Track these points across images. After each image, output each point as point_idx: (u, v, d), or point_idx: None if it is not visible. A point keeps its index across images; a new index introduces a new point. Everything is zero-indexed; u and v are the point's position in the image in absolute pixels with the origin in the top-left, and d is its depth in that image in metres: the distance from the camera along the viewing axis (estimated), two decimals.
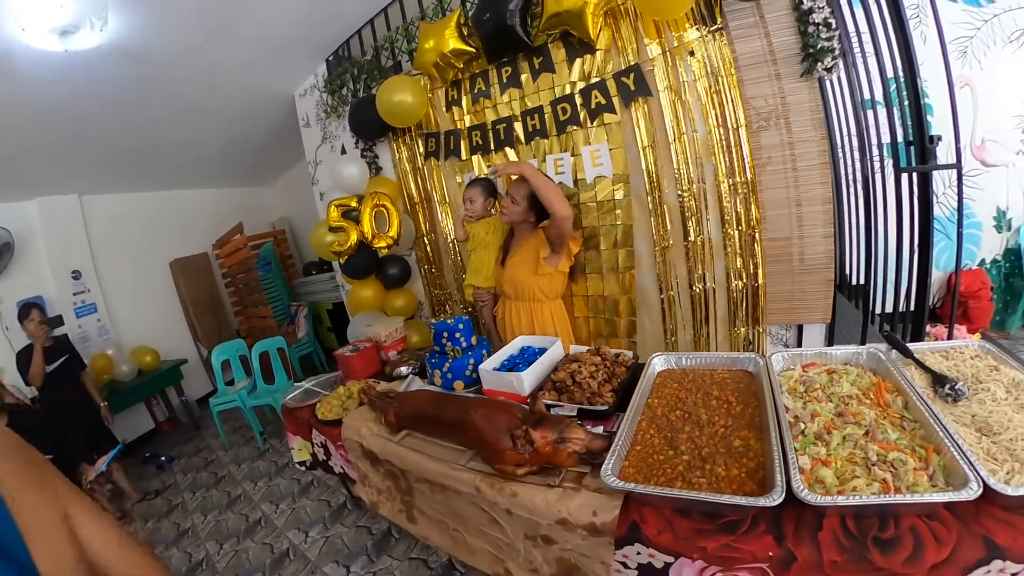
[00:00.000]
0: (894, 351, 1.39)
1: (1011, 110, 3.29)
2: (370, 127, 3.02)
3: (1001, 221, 3.52)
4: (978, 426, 1.04)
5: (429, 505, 1.53)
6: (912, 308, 2.32)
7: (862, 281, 2.85)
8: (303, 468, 2.22)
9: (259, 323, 5.29)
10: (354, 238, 2.87)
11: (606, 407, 1.42)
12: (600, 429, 1.35)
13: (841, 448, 1.04)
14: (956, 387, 1.15)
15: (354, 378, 2.27)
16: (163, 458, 4.11)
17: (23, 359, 3.42)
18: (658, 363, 1.57)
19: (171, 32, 2.69)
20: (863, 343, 2.25)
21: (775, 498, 0.91)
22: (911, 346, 1.39)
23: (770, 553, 0.90)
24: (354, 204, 2.91)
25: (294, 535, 2.80)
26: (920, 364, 1.30)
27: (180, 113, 3.69)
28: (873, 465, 0.96)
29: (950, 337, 2.49)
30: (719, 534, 0.95)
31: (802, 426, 1.12)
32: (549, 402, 1.49)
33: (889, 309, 2.40)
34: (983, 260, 3.59)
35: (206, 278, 5.57)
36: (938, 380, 1.21)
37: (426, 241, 3.22)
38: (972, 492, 0.84)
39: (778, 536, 0.92)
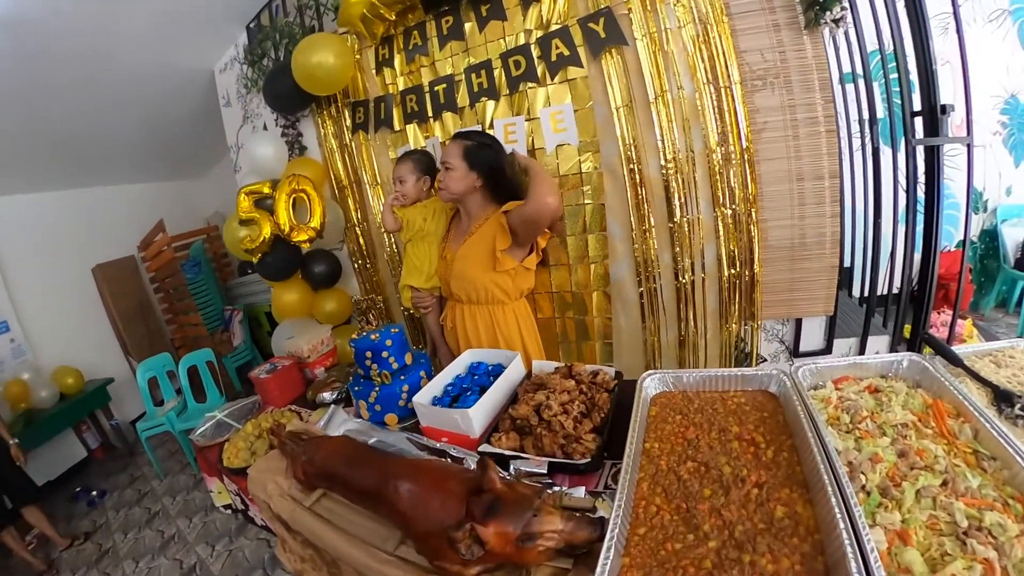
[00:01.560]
0: (938, 358, 1.11)
1: (989, 90, 3.28)
2: (289, 99, 2.53)
3: (978, 202, 3.50)
4: None
5: None
6: (909, 294, 2.14)
7: (850, 265, 2.68)
8: (229, 511, 1.83)
9: (191, 332, 4.86)
10: (267, 231, 2.38)
11: (587, 460, 1.03)
12: (581, 491, 0.97)
13: (917, 509, 0.74)
14: None
15: (273, 405, 1.86)
16: (94, 493, 3.77)
17: None
18: (651, 386, 1.17)
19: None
20: (865, 335, 2.03)
21: None
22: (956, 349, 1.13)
23: None
24: (267, 190, 2.41)
25: None
26: (975, 375, 1.05)
27: (85, 96, 3.20)
28: (966, 535, 0.68)
29: (952, 327, 2.32)
30: None
31: (862, 479, 0.81)
32: (507, 452, 1.09)
33: (872, 295, 2.20)
34: (960, 242, 3.52)
35: (133, 284, 5.05)
36: (1002, 397, 0.96)
37: (358, 231, 2.73)
38: None
39: None
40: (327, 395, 1.76)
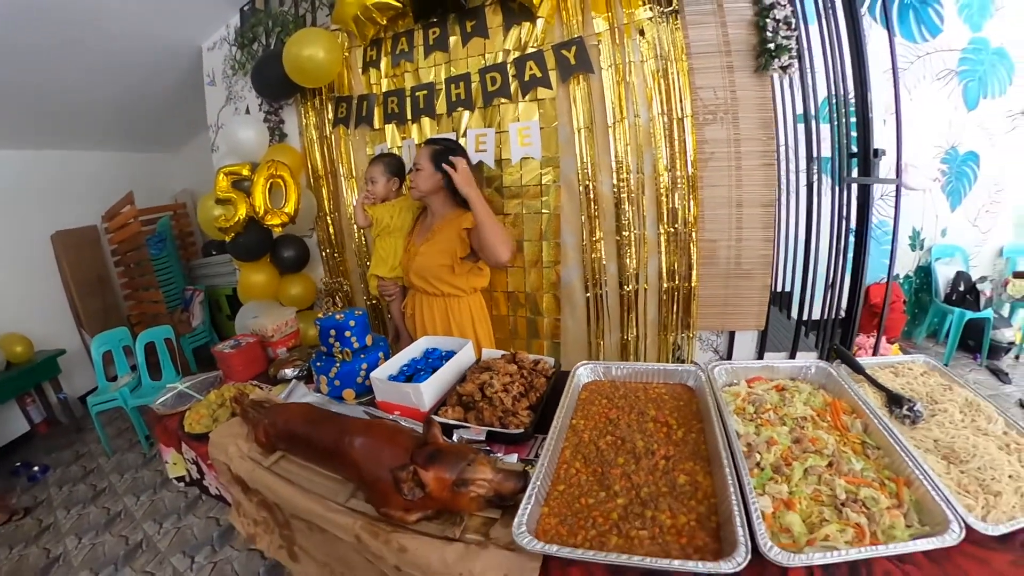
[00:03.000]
0: (843, 366, 1.27)
1: (932, 141, 3.55)
2: (276, 86, 2.59)
3: (915, 240, 3.78)
4: (943, 453, 0.96)
5: (311, 544, 1.21)
6: (836, 317, 2.33)
7: (789, 288, 2.89)
8: (182, 484, 1.85)
9: (150, 309, 4.67)
10: (243, 212, 2.43)
11: (522, 430, 1.16)
12: (514, 457, 1.10)
13: (804, 484, 0.89)
14: (915, 408, 1.06)
15: (235, 380, 1.90)
16: (36, 468, 3.55)
17: None
18: (584, 374, 1.32)
19: None
20: (794, 350, 2.23)
21: (739, 561, 0.71)
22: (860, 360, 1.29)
23: None
24: (246, 173, 2.47)
25: (178, 560, 2.50)
26: (873, 381, 1.20)
27: (61, 56, 3.08)
28: (843, 505, 0.82)
29: (877, 348, 2.53)
30: None
31: (757, 457, 0.95)
32: (452, 422, 1.21)
33: (808, 317, 2.39)
34: (897, 275, 3.81)
35: (93, 255, 4.81)
36: (894, 400, 1.11)
37: (329, 221, 2.80)
38: (955, 535, 0.74)
39: None
40: (289, 371, 1.82)
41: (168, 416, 1.76)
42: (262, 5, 2.89)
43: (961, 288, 3.51)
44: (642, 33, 1.92)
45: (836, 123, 2.10)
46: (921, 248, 3.76)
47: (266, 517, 1.33)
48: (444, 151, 1.81)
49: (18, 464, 3.62)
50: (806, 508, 0.84)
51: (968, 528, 0.75)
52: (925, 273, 3.78)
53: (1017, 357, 3.48)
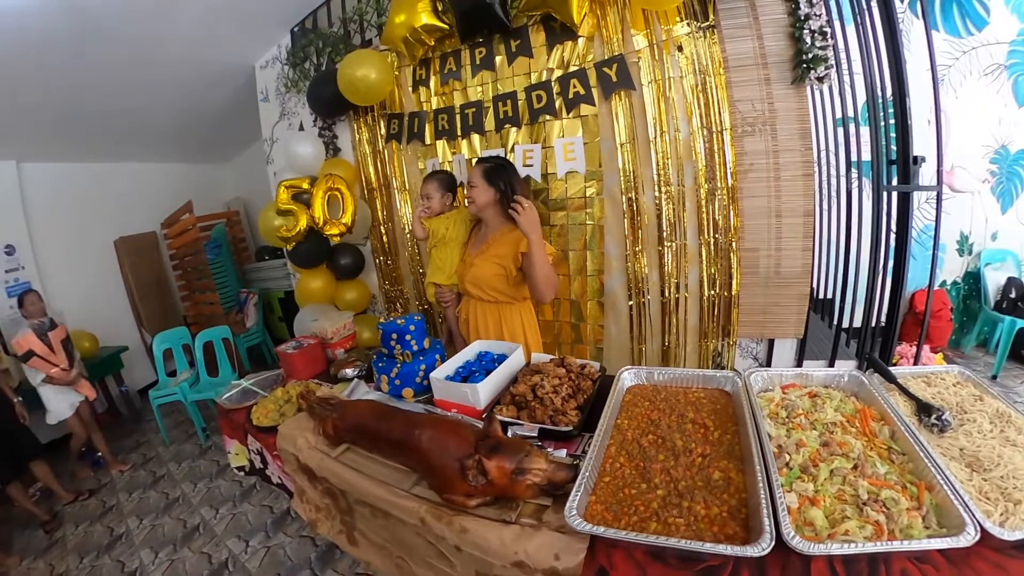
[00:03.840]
0: (876, 375, 1.31)
1: (980, 140, 3.41)
2: (330, 104, 2.78)
3: (964, 245, 3.64)
4: (968, 461, 0.99)
5: (372, 529, 1.34)
6: (880, 325, 2.31)
7: (830, 296, 2.87)
8: (242, 473, 2.00)
9: (207, 310, 4.96)
10: (304, 223, 2.62)
11: (571, 428, 1.26)
12: (563, 452, 1.20)
13: (829, 484, 0.95)
14: (943, 417, 1.10)
15: (297, 378, 2.04)
16: (99, 454, 3.80)
17: None
18: (628, 378, 1.42)
19: None
20: (833, 360, 2.24)
21: (764, 547, 0.79)
22: (893, 370, 1.32)
23: None
24: (306, 186, 2.66)
25: (234, 544, 2.65)
26: (904, 390, 1.23)
27: (125, 75, 3.34)
28: (864, 504, 0.88)
29: (918, 353, 2.51)
30: None
31: (787, 457, 1.02)
32: (507, 420, 1.33)
33: (850, 325, 2.39)
34: (944, 281, 3.71)
35: (153, 259, 5.20)
36: (923, 409, 1.15)
37: (383, 230, 2.99)
38: (970, 538, 0.78)
39: None
40: (349, 371, 1.96)
41: (235, 410, 1.91)
42: (312, 26, 3.08)
43: (1012, 295, 3.39)
44: (680, 49, 1.99)
45: (874, 130, 2.09)
46: (970, 253, 3.63)
47: (328, 504, 1.46)
48: (494, 168, 1.94)
49: (84, 449, 3.82)
50: (830, 505, 0.90)
51: (984, 532, 0.79)
52: (974, 279, 3.64)
53: None
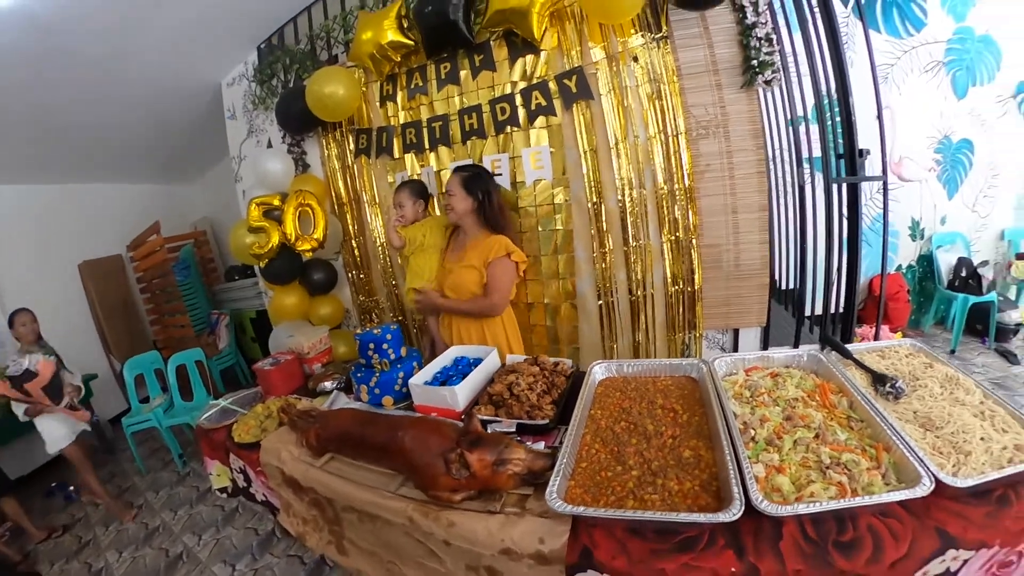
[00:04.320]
0: (833, 352, 1.41)
1: (925, 132, 3.63)
2: (299, 120, 2.80)
3: (916, 230, 3.85)
4: (921, 422, 1.08)
5: (360, 535, 1.36)
6: (840, 311, 2.42)
7: (792, 286, 2.99)
8: (224, 495, 1.98)
9: (177, 333, 4.84)
10: (276, 240, 2.64)
11: (547, 421, 1.32)
12: (541, 445, 1.25)
13: (793, 453, 1.02)
14: (896, 385, 1.19)
15: (275, 394, 2.04)
16: (71, 488, 3.62)
17: None
18: (599, 371, 1.49)
19: (81, 2, 2.41)
20: (796, 345, 2.33)
21: (734, 512, 0.86)
22: (849, 347, 1.41)
23: (732, 569, 0.84)
24: (277, 203, 2.68)
25: (220, 569, 2.57)
26: (860, 364, 1.33)
27: (87, 94, 3.28)
28: (827, 468, 0.95)
29: (876, 335, 2.62)
30: (677, 553, 0.88)
31: (752, 432, 1.09)
32: (486, 418, 1.37)
33: (812, 312, 2.49)
34: (900, 265, 3.91)
35: (119, 283, 5.03)
36: (878, 379, 1.24)
37: (354, 244, 3.01)
38: (925, 488, 0.86)
39: (738, 550, 0.86)
40: (328, 384, 1.97)
41: (214, 430, 1.88)
42: (279, 43, 3.09)
43: (963, 274, 3.60)
44: (636, 59, 2.09)
45: (821, 127, 2.20)
46: (922, 238, 3.84)
47: (316, 515, 1.47)
48: (472, 176, 2.02)
49: (53, 484, 3.69)
50: (795, 472, 0.97)
51: (940, 482, 0.86)
52: (928, 262, 3.85)
53: None
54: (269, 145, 3.22)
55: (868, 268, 3.62)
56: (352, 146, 2.82)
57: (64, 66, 2.87)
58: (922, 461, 0.91)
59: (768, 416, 1.13)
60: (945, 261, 3.74)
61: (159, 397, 3.89)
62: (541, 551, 0.96)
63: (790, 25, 2.22)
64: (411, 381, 1.59)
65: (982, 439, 0.98)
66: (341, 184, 2.94)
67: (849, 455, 0.96)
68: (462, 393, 1.48)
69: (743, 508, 0.86)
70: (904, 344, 1.43)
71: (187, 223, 5.74)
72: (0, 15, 2.26)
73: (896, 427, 1.01)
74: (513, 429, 1.32)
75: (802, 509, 0.86)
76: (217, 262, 5.74)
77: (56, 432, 3.11)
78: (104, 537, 3.08)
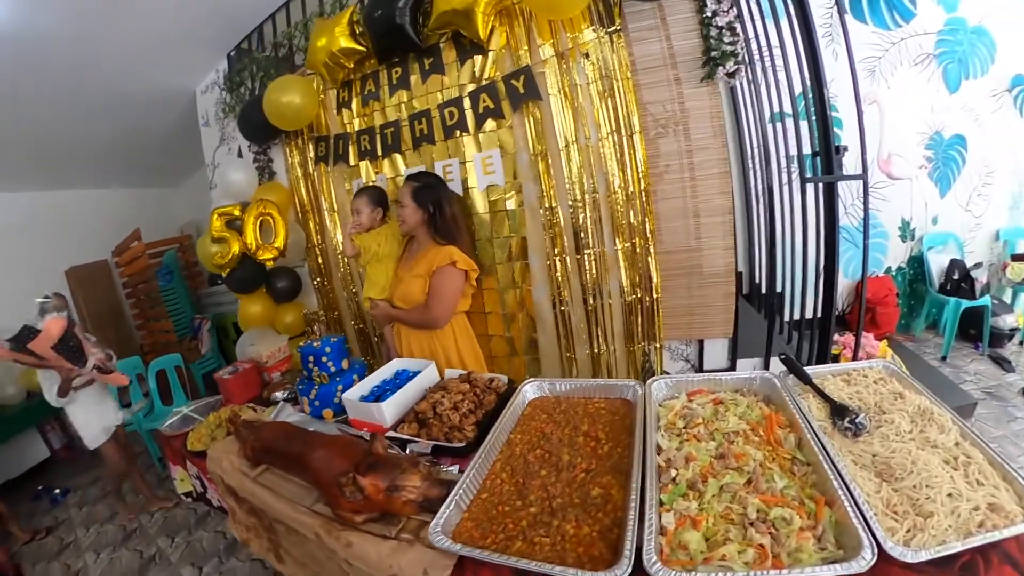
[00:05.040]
0: (791, 376, 1.26)
1: (915, 127, 3.47)
2: (260, 130, 2.77)
3: (906, 231, 3.69)
4: (879, 469, 0.94)
5: (292, 545, 1.36)
6: (820, 316, 2.32)
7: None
8: (190, 500, 2.02)
9: (161, 338, 4.86)
10: (236, 249, 2.62)
11: (463, 444, 1.26)
12: (456, 469, 1.20)
13: (716, 501, 0.89)
14: (857, 420, 1.05)
15: (233, 402, 2.07)
16: (56, 491, 3.69)
17: None
18: (529, 391, 1.41)
19: (50, 12, 2.43)
20: (767, 356, 2.24)
21: (618, 573, 0.76)
22: (811, 369, 1.28)
23: None
24: (237, 213, 2.66)
25: (188, 572, 2.65)
26: (819, 392, 1.19)
27: (64, 103, 3.33)
28: (751, 525, 0.82)
29: (857, 344, 2.51)
30: None
31: (673, 472, 0.97)
32: (405, 436, 1.33)
33: (791, 318, 2.40)
34: (889, 268, 3.74)
35: (106, 288, 5.06)
36: (837, 411, 1.10)
37: (318, 252, 2.97)
38: (864, 563, 0.72)
39: None
40: (279, 394, 1.96)
41: (175, 436, 1.94)
42: (248, 50, 3.07)
43: (956, 276, 3.43)
44: (587, 56, 2.00)
45: (795, 123, 2.09)
46: (912, 238, 3.68)
47: (255, 523, 1.48)
48: (423, 187, 1.96)
49: (40, 488, 3.75)
50: (712, 526, 0.84)
51: (883, 553, 0.73)
52: (918, 263, 3.70)
53: (1022, 343, 3.39)
54: (239, 154, 3.20)
55: (855, 271, 3.50)
56: (312, 154, 2.78)
57: (38, 76, 2.91)
58: (867, 524, 0.77)
59: (695, 454, 1.00)
60: (937, 263, 3.58)
61: (140, 401, 3.90)
62: None
63: (763, 13, 2.11)
64: (345, 395, 1.57)
65: (949, 495, 0.84)
66: (304, 191, 2.89)
67: (781, 510, 0.83)
68: (389, 410, 1.45)
69: (630, 566, 0.77)
70: (875, 367, 1.29)
71: (174, 227, 5.75)
72: None
73: (845, 476, 0.87)
74: (428, 451, 1.27)
75: None
76: (201, 266, 5.71)
77: (93, 426, 2.94)
78: (85, 539, 3.16)
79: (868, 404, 1.13)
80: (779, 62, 2.11)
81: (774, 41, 2.08)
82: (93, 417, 2.93)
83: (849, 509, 0.80)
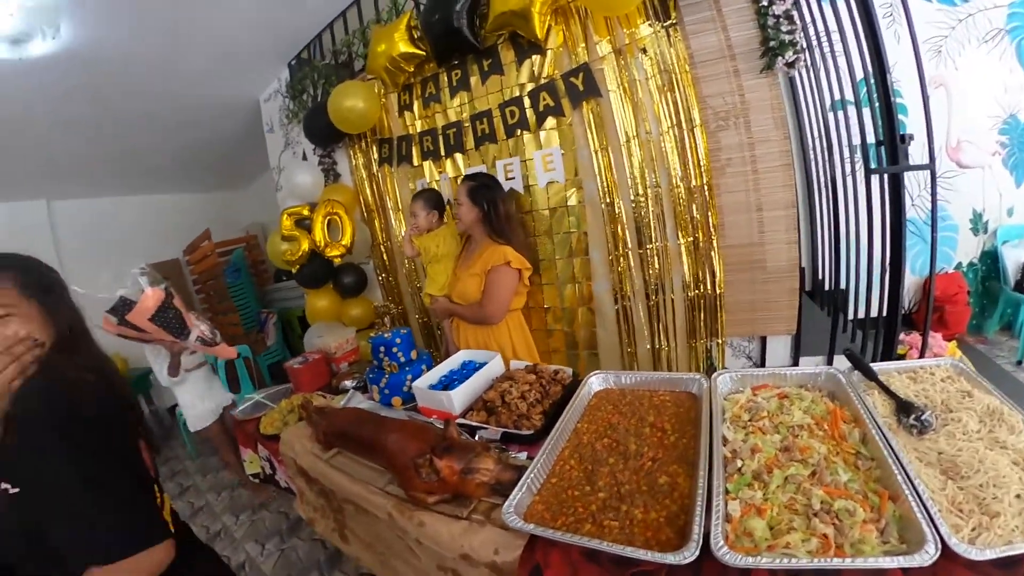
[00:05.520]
0: (856, 372, 1.25)
1: (987, 111, 3.21)
2: (324, 134, 2.92)
3: (978, 223, 3.43)
4: (944, 467, 0.92)
5: (359, 526, 1.45)
6: (885, 314, 2.23)
7: (832, 287, 2.78)
8: (257, 480, 2.15)
9: (229, 331, 5.08)
10: (306, 247, 2.78)
11: (531, 432, 1.31)
12: (524, 455, 1.25)
13: (781, 492, 0.90)
14: (922, 417, 1.03)
15: (303, 391, 2.19)
16: None
17: None
18: (595, 382, 1.44)
19: (125, 39, 2.67)
20: (831, 354, 2.18)
21: (686, 556, 0.78)
22: (877, 366, 1.26)
23: None
24: (306, 213, 2.82)
25: (251, 547, 2.80)
26: (884, 388, 1.17)
27: (143, 118, 3.65)
28: (815, 515, 0.82)
29: (924, 344, 2.39)
30: None
31: (739, 463, 0.98)
32: (475, 424, 1.39)
33: (855, 316, 2.31)
34: (959, 263, 3.49)
35: (177, 285, 5.27)
36: (903, 408, 1.08)
37: (383, 249, 3.10)
38: (927, 556, 0.71)
39: None
40: (348, 383, 2.08)
41: (247, 421, 2.08)
42: (308, 59, 3.23)
43: None
44: (644, 51, 1.99)
45: (858, 111, 1.99)
46: (985, 231, 3.41)
47: (323, 504, 1.59)
48: (479, 187, 2.04)
49: None
50: (776, 515, 0.85)
51: (948, 549, 0.72)
52: (992, 259, 3.42)
53: None
54: (304, 157, 3.36)
55: (923, 266, 3.27)
56: (376, 155, 2.90)
57: (118, 94, 3.19)
58: (932, 520, 0.76)
59: (760, 446, 1.00)
60: (1012, 258, 3.29)
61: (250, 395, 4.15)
62: (495, 561, 0.97)
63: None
64: (415, 384, 1.65)
65: (1018, 496, 0.81)
66: (368, 192, 3.03)
67: (844, 502, 0.83)
68: (458, 398, 1.52)
69: (698, 550, 0.79)
70: (943, 364, 1.26)
71: (239, 227, 6.10)
72: (56, 59, 2.56)
73: (910, 472, 0.86)
74: (497, 437, 1.33)
75: (766, 563, 0.75)
76: (267, 264, 6.01)
77: (197, 408, 2.97)
78: None
79: (935, 402, 1.11)
80: (838, 47, 2.03)
81: (832, 25, 2.00)
82: (200, 399, 2.96)
83: (913, 504, 0.79)
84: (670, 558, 0.79)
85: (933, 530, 0.74)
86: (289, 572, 2.52)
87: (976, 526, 0.78)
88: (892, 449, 0.93)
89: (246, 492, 3.39)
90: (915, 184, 3.17)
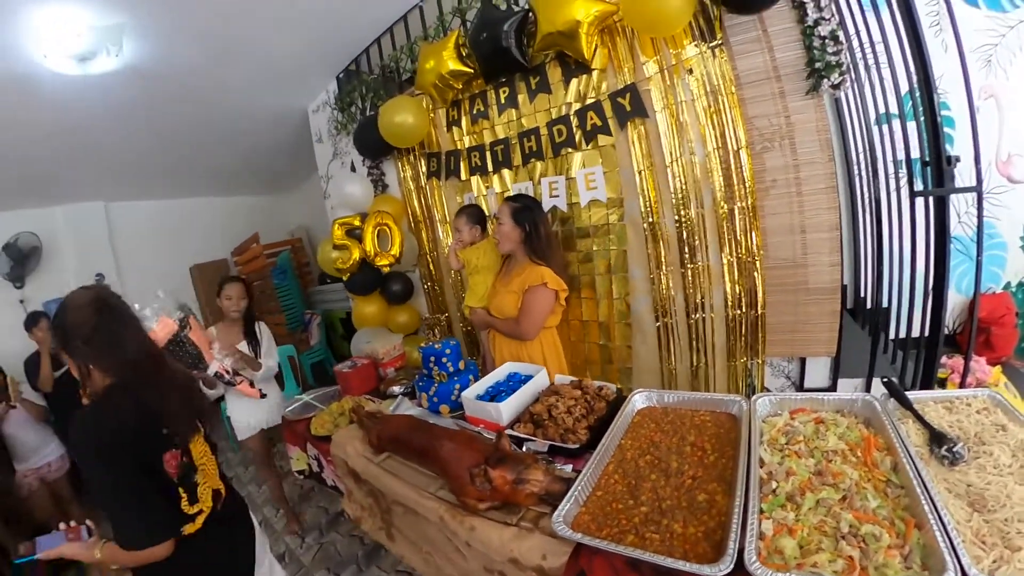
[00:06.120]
0: (892, 399, 1.28)
1: None
2: (374, 147, 3.04)
3: None
4: (972, 499, 0.94)
5: (406, 526, 1.54)
6: (927, 336, 2.20)
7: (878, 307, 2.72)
8: (302, 477, 2.26)
9: (274, 330, 5.25)
10: (356, 256, 2.91)
11: (577, 446, 1.38)
12: (569, 468, 1.33)
13: (812, 514, 0.95)
14: (954, 449, 1.05)
15: (351, 394, 2.29)
16: None
17: (31, 366, 3.29)
18: (639, 400, 1.51)
19: (182, 55, 2.84)
20: (870, 376, 2.16)
21: (721, 569, 0.85)
22: (913, 394, 1.28)
23: None
24: (357, 223, 2.95)
25: (291, 539, 2.92)
26: (919, 417, 1.19)
27: (195, 127, 3.86)
28: (842, 538, 0.87)
29: (966, 369, 2.33)
30: None
31: (774, 484, 1.04)
32: (522, 435, 1.47)
33: (896, 336, 2.29)
34: (1008, 283, 3.33)
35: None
36: (935, 438, 1.11)
37: (429, 259, 3.22)
38: None
39: None
40: (396, 388, 2.19)
41: (297, 421, 2.19)
42: (355, 71, 3.37)
43: None
44: (691, 71, 2.02)
45: (904, 131, 1.99)
46: None
47: (371, 504, 1.69)
48: (522, 208, 2.10)
49: None
50: (806, 536, 0.90)
51: None
52: None
53: None
54: (352, 168, 3.50)
55: (968, 286, 3.16)
56: (424, 168, 3.02)
57: (173, 103, 3.39)
58: (954, 549, 0.78)
59: (795, 469, 1.06)
60: None
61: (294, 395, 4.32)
62: (542, 566, 1.05)
63: (863, 6, 2.01)
64: (464, 394, 1.74)
65: None
66: (416, 204, 3.15)
67: (871, 527, 0.88)
68: (506, 410, 1.60)
69: (733, 564, 0.86)
70: (980, 395, 1.26)
71: (285, 231, 6.35)
72: (117, 74, 2.75)
73: (937, 502, 0.88)
74: (545, 450, 1.41)
75: None
76: (312, 266, 6.24)
77: (241, 422, 2.89)
78: None
79: (968, 434, 1.12)
80: (882, 58, 2.02)
81: (876, 36, 1.99)
82: (243, 413, 2.90)
83: (937, 533, 0.82)
84: (707, 570, 0.86)
85: (955, 559, 0.77)
86: (328, 565, 2.63)
87: (997, 558, 0.81)
88: (921, 479, 0.96)
89: (286, 486, 3.40)
90: (962, 201, 3.04)
